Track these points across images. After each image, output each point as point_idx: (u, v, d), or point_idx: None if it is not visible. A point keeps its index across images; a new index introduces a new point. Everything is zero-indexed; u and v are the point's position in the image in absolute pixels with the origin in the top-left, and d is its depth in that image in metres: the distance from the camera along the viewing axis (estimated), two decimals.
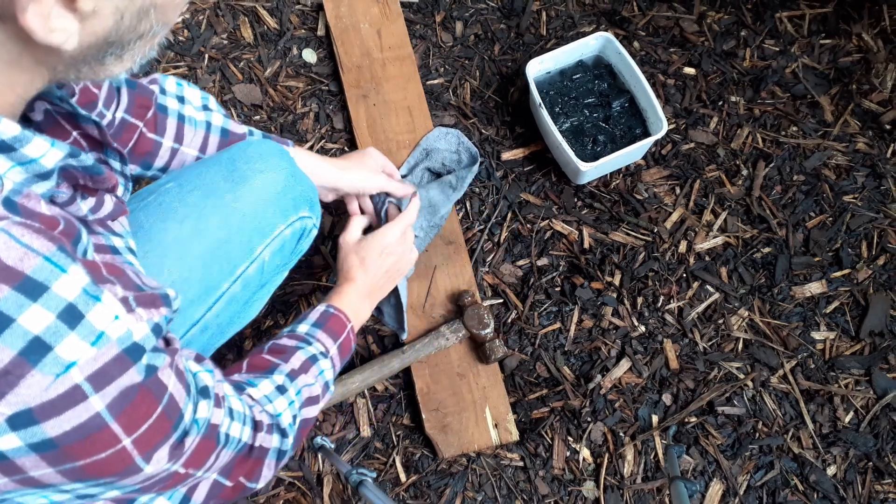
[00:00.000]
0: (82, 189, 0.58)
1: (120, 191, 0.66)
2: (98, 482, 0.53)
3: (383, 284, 1.08)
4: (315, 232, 1.00)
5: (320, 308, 0.97)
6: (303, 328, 0.92)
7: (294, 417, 0.81)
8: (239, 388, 0.78)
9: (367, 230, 1.15)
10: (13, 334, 0.45)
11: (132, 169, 0.92)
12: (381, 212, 1.17)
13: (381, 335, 1.33)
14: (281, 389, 0.80)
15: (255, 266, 0.91)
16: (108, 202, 0.62)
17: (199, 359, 0.71)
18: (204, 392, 0.65)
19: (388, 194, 1.18)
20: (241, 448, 0.71)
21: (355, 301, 1.02)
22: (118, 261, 0.60)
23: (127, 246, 0.65)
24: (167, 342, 0.60)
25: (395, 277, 1.10)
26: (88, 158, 0.56)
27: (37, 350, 0.45)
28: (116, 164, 0.68)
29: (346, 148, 1.48)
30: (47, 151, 0.51)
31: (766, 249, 1.40)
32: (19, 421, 0.46)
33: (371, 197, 1.18)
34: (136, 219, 0.85)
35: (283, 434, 0.78)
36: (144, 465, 0.54)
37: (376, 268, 1.06)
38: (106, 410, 0.49)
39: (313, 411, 0.85)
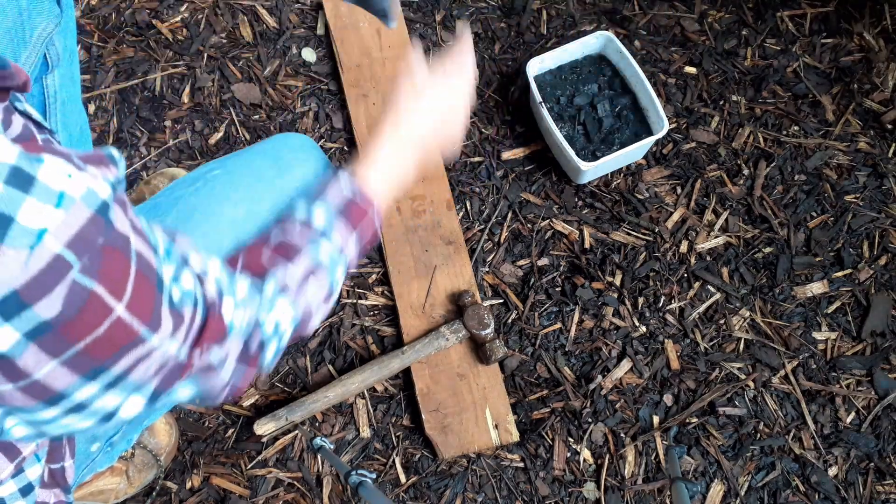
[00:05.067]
0: None
1: (34, 112, 0.61)
2: (108, 370, 0.49)
3: (434, 141, 0.90)
4: None
5: (345, 186, 0.79)
6: (319, 217, 0.77)
7: (277, 331, 0.71)
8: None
9: None
10: None
11: None
12: None
13: (381, 335, 1.33)
14: (270, 301, 0.71)
15: None
16: (17, 123, 0.55)
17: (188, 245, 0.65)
18: (185, 261, 0.60)
19: None
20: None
21: (401, 162, 0.85)
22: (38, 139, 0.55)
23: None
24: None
25: (450, 131, 0.92)
26: None
27: None
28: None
29: (345, 147, 1.48)
30: None
31: (768, 249, 1.40)
32: (8, 308, 0.42)
33: None
34: (188, 203, 0.87)
35: (262, 345, 0.69)
36: (150, 335, 0.51)
37: (437, 117, 0.88)
38: (81, 275, 0.45)
39: (310, 324, 0.76)
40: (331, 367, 1.30)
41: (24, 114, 0.58)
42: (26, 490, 0.70)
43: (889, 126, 1.51)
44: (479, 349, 1.27)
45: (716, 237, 1.41)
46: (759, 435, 1.27)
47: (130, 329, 0.50)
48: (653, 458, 1.25)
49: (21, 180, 0.42)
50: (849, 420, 1.28)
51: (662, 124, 1.35)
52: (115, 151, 0.53)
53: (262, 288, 0.71)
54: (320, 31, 1.58)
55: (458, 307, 1.31)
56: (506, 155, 1.47)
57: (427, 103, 0.88)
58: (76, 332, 0.46)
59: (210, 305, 0.62)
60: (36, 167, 0.43)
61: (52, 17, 0.88)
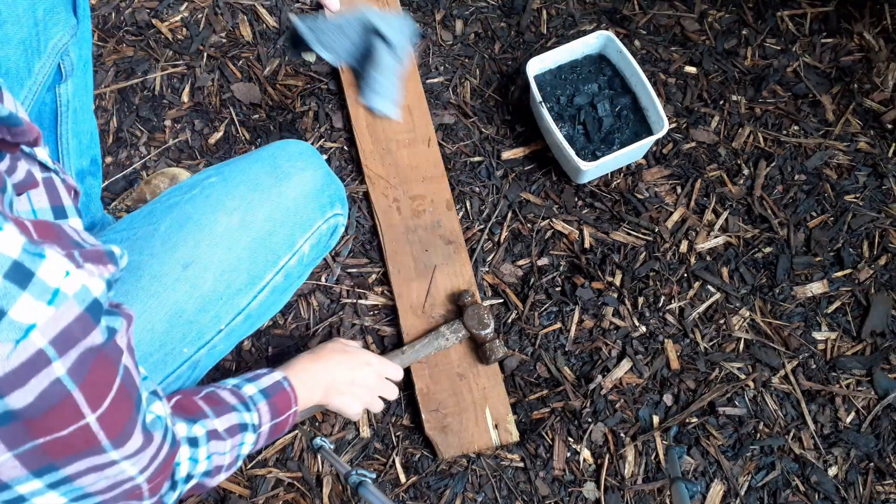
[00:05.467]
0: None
1: (41, 152, 0.64)
2: (57, 470, 0.49)
3: (344, 390, 1.04)
4: (342, 229, 1.02)
5: (277, 375, 0.91)
6: (249, 389, 0.86)
7: (189, 477, 0.72)
8: None
9: None
10: None
11: None
12: None
13: (380, 335, 1.33)
14: (193, 442, 0.73)
15: (296, 259, 0.93)
16: (21, 169, 0.57)
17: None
18: (155, 393, 0.63)
19: None
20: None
21: (313, 385, 0.98)
22: (47, 219, 0.57)
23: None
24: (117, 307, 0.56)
25: (356, 393, 1.06)
26: (4, 109, 0.52)
27: None
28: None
29: (345, 147, 1.48)
30: None
31: (768, 249, 1.40)
32: None
33: None
34: (183, 210, 0.86)
35: (173, 486, 0.69)
36: (111, 449, 0.51)
37: (351, 371, 1.05)
38: (67, 376, 0.46)
39: (210, 482, 0.77)
40: None
41: (31, 156, 0.59)
42: None
43: (889, 126, 1.51)
44: (479, 349, 1.27)
45: (716, 237, 1.41)
46: (759, 435, 1.27)
47: (94, 439, 0.50)
48: (653, 458, 1.25)
49: (20, 276, 0.43)
50: (849, 420, 1.28)
51: (662, 124, 1.35)
52: (116, 249, 0.53)
53: (191, 429, 0.73)
54: None
55: (458, 307, 1.31)
56: (506, 155, 1.47)
57: (350, 363, 1.04)
58: (39, 428, 0.46)
59: (178, 442, 0.64)
60: (37, 263, 0.44)
61: (68, 28, 0.87)
